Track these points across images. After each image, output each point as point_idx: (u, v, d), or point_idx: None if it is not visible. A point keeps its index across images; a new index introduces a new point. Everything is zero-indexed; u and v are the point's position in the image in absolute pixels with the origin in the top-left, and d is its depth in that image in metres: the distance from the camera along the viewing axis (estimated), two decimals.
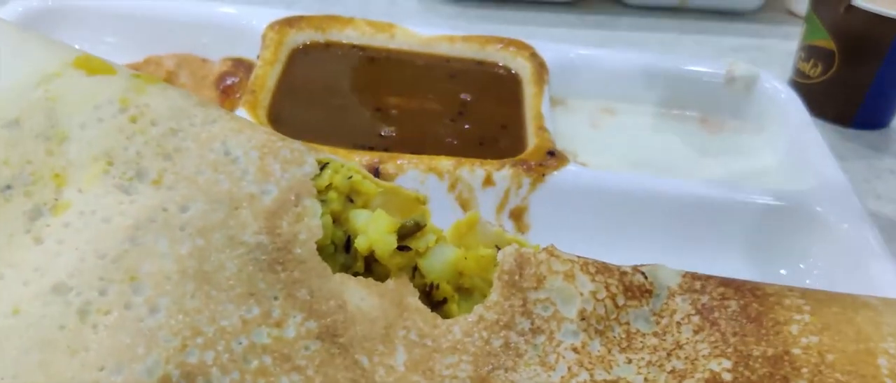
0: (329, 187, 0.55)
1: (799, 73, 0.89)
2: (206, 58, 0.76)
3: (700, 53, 0.98)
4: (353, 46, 0.77)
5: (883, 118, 0.88)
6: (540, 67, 0.75)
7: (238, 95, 0.72)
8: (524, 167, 0.63)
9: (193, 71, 0.74)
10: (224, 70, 0.74)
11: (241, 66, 0.76)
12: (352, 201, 0.56)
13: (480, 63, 0.77)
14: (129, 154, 0.52)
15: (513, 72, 0.76)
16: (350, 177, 0.55)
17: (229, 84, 0.73)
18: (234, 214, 0.51)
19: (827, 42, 0.84)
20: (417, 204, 0.58)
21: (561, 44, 0.80)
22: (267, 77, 0.69)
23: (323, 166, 0.55)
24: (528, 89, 0.74)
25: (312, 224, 0.52)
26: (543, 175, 0.63)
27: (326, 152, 0.62)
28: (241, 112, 0.64)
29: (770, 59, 0.99)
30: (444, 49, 0.77)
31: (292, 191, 0.53)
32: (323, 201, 0.54)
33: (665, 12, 1.05)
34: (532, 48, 0.77)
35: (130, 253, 0.48)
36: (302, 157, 0.55)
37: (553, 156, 0.64)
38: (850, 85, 0.85)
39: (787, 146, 0.73)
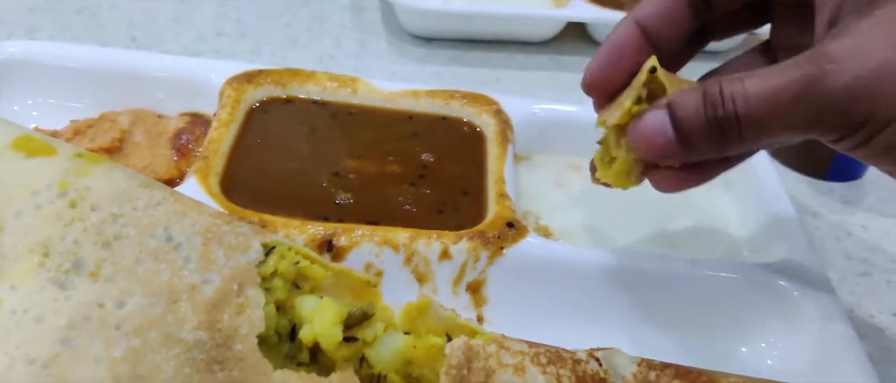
0: (274, 274, 0.53)
1: None
2: (162, 113, 0.74)
3: None
4: (314, 102, 0.75)
5: (856, 171, 0.87)
6: (504, 125, 0.74)
7: (195, 154, 0.71)
8: (482, 240, 0.62)
9: (148, 128, 0.72)
10: (180, 127, 0.72)
11: (199, 122, 0.74)
12: (298, 287, 0.55)
13: (444, 118, 0.76)
14: (66, 243, 0.50)
15: (477, 129, 0.75)
16: (297, 263, 0.54)
17: (185, 141, 0.71)
18: (172, 309, 0.49)
19: None
20: (367, 287, 0.57)
21: (526, 98, 0.79)
22: (221, 140, 0.67)
23: (269, 251, 0.54)
24: (492, 149, 0.72)
25: (254, 316, 0.51)
26: (502, 248, 0.62)
27: (276, 230, 0.61)
28: (192, 181, 0.63)
29: None
30: (407, 104, 0.76)
31: (235, 280, 0.52)
32: (267, 289, 0.53)
33: None
34: (497, 104, 0.76)
35: (62, 357, 0.46)
36: (247, 243, 0.54)
37: (512, 228, 0.63)
38: None
39: (755, 209, 0.72)
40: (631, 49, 0.55)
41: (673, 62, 0.57)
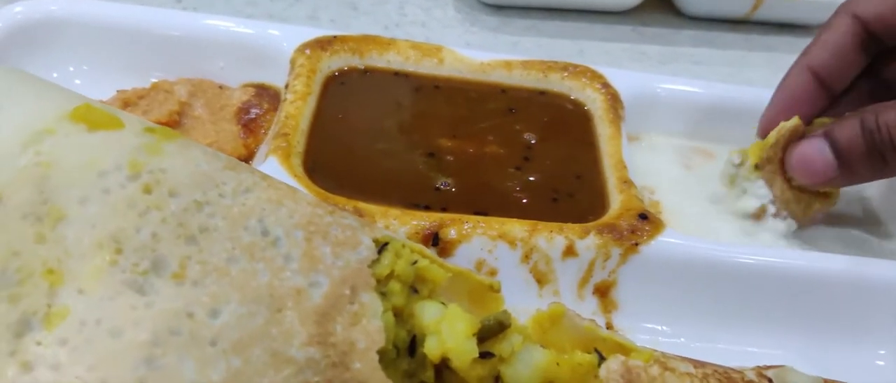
0: (390, 276, 0.44)
1: None
2: (223, 84, 0.65)
3: (773, 75, 0.87)
4: (396, 73, 0.66)
5: None
6: (613, 101, 0.65)
7: (263, 131, 0.61)
8: (613, 235, 0.53)
9: (209, 100, 0.63)
10: (246, 99, 0.63)
11: (265, 95, 0.65)
12: (416, 291, 0.45)
13: (543, 93, 0.66)
14: (142, 237, 0.41)
15: (583, 105, 0.66)
16: (415, 263, 0.45)
17: (253, 117, 0.62)
18: (276, 319, 0.40)
19: None
20: (489, 292, 0.48)
21: (636, 72, 0.69)
22: (300, 115, 0.58)
23: (381, 247, 0.45)
24: (602, 129, 0.63)
25: (372, 327, 0.42)
26: (636, 244, 0.52)
27: (373, 221, 0.51)
28: (272, 162, 0.53)
29: None
30: (500, 76, 0.66)
31: (347, 284, 0.43)
32: (383, 294, 0.43)
33: (729, 25, 0.94)
34: (604, 77, 0.66)
35: (148, 382, 0.37)
36: (356, 237, 0.44)
37: (646, 220, 0.53)
38: None
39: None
40: (805, 95, 0.58)
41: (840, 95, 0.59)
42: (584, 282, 0.53)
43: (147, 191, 0.42)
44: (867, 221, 0.65)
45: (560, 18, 0.89)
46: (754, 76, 0.87)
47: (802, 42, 0.93)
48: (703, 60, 0.88)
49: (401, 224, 0.51)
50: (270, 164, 0.53)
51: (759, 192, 0.59)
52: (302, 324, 0.40)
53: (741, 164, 0.60)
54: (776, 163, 0.58)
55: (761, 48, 0.91)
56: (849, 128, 0.53)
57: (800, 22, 0.96)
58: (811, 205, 0.60)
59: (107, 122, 0.45)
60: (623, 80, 0.66)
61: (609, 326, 0.53)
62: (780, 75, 0.86)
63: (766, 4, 0.92)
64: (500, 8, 0.89)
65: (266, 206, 0.43)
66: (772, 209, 0.59)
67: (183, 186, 0.43)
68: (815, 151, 0.54)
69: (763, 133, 0.59)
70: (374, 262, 0.43)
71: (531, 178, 0.58)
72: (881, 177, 0.53)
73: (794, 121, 0.57)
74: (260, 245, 0.42)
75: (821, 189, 0.58)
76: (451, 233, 0.51)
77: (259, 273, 0.41)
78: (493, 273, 0.52)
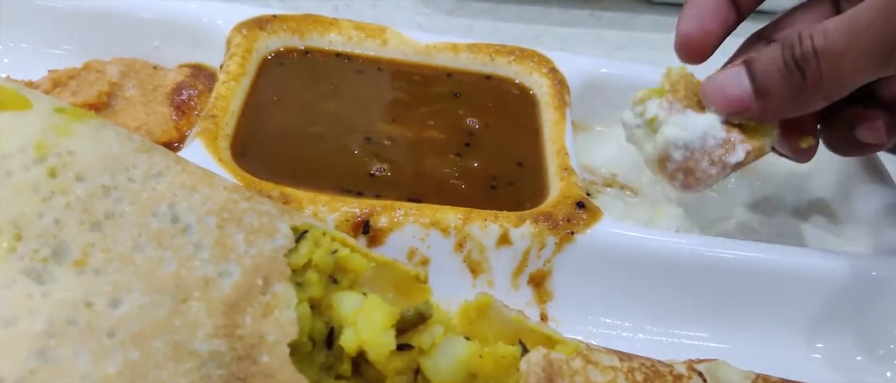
0: (308, 265, 0.42)
1: None
2: (158, 64, 0.63)
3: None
4: (338, 55, 0.64)
5: None
6: (560, 86, 0.63)
7: (196, 112, 0.60)
8: (549, 223, 0.51)
9: (142, 81, 0.61)
10: (180, 80, 0.61)
11: (201, 75, 0.63)
12: (335, 281, 0.44)
13: (489, 78, 0.65)
14: (44, 223, 0.39)
15: (528, 90, 0.64)
16: (335, 252, 0.43)
17: (186, 98, 0.60)
18: (181, 310, 0.39)
19: None
20: (415, 283, 0.46)
21: (582, 55, 0.68)
22: (231, 96, 0.56)
23: (300, 235, 0.43)
24: (547, 114, 0.61)
25: (285, 319, 0.40)
26: (572, 233, 0.51)
27: (301, 207, 0.50)
28: (197, 144, 0.52)
29: None
30: (446, 60, 0.65)
31: (259, 273, 0.41)
32: (299, 284, 0.42)
33: None
34: (551, 62, 0.65)
35: (39, 375, 0.35)
36: (272, 225, 0.43)
37: (583, 209, 0.52)
38: None
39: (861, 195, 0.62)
40: (713, 8, 0.56)
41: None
42: (518, 271, 0.52)
43: (52, 174, 0.40)
44: (816, 213, 0.64)
45: (516, 2, 0.88)
46: (714, 62, 0.86)
47: (763, 24, 0.92)
48: (661, 46, 0.86)
49: (330, 210, 0.49)
50: (195, 147, 0.51)
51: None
52: (208, 316, 0.38)
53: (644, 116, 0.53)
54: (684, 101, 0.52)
55: None
56: (768, 51, 0.49)
57: (761, 8, 0.94)
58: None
59: (13, 102, 0.43)
60: (569, 63, 0.65)
61: (543, 317, 0.52)
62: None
63: None
64: None
65: (178, 192, 0.42)
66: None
67: (91, 170, 0.41)
68: (729, 76, 0.51)
69: (682, 48, 0.56)
70: (291, 251, 0.42)
71: (472, 164, 0.57)
72: (799, 107, 0.49)
73: (681, 68, 0.55)
74: (169, 232, 0.40)
75: (735, 120, 0.51)
76: (383, 221, 0.50)
77: (166, 261, 0.39)
78: (425, 262, 0.51)
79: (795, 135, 0.53)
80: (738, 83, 0.50)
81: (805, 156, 0.54)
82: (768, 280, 0.51)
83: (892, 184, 0.60)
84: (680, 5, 0.92)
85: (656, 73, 0.67)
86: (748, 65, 0.50)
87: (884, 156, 0.64)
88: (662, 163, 0.50)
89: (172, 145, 0.58)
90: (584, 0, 0.90)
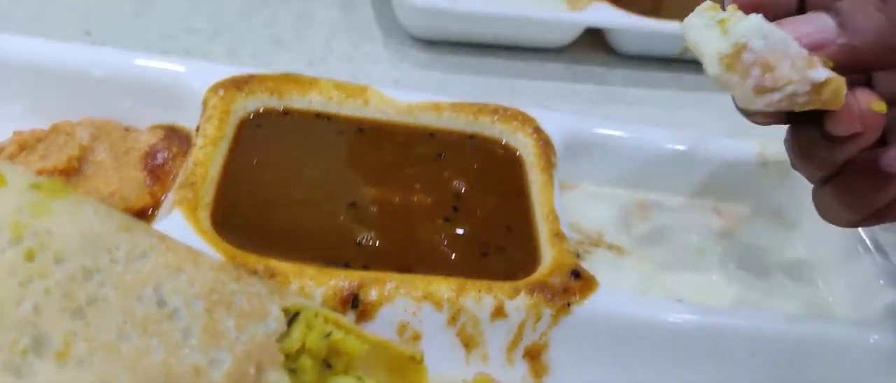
0: (301, 350, 0.40)
1: None
2: (130, 125, 0.60)
3: (705, 116, 0.86)
4: (317, 115, 0.62)
5: None
6: (545, 146, 0.62)
7: (172, 177, 0.57)
8: (545, 294, 0.50)
9: (114, 143, 0.58)
10: (153, 142, 0.59)
11: (175, 137, 0.60)
12: (329, 366, 0.42)
13: (473, 137, 0.64)
14: (23, 311, 0.36)
15: (513, 151, 0.63)
16: (329, 334, 0.41)
17: (160, 162, 0.58)
18: None
19: None
20: (411, 363, 0.44)
21: (564, 113, 0.67)
22: (209, 162, 0.54)
23: (292, 318, 0.41)
24: (534, 176, 0.60)
25: None
26: (569, 304, 0.50)
27: (288, 282, 0.47)
28: (177, 216, 0.49)
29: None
30: (428, 119, 0.63)
31: (252, 361, 0.39)
32: (292, 371, 0.40)
33: (662, 64, 0.92)
34: (535, 121, 0.64)
35: None
36: (263, 308, 0.41)
37: (578, 278, 0.51)
38: None
39: (830, 253, 0.62)
40: None
41: None
42: (513, 345, 0.50)
43: (30, 257, 0.38)
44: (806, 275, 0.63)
45: (492, 56, 0.87)
46: (687, 116, 0.86)
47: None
48: (635, 101, 0.86)
49: (317, 284, 0.47)
50: (175, 218, 0.49)
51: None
52: None
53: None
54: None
55: (694, 88, 0.90)
56: None
57: None
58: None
59: None
60: (553, 122, 0.64)
61: None
62: (712, 116, 0.85)
63: None
64: (430, 44, 0.86)
65: (163, 273, 0.39)
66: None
67: (70, 251, 0.38)
68: (809, 18, 0.42)
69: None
70: (283, 336, 0.40)
71: (459, 231, 0.55)
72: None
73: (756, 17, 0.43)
74: (155, 318, 0.38)
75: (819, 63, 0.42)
76: (372, 294, 0.48)
77: (153, 350, 0.37)
78: (417, 337, 0.49)
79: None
80: (818, 18, 0.41)
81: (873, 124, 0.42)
82: (782, 352, 0.50)
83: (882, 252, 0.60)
84: (653, 59, 0.93)
85: (641, 130, 0.67)
86: (835, 7, 0.42)
87: None
88: (736, 55, 0.41)
89: (147, 211, 0.55)
90: (560, 53, 0.90)
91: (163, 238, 0.41)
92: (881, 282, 0.58)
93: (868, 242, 0.60)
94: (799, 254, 0.64)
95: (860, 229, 0.62)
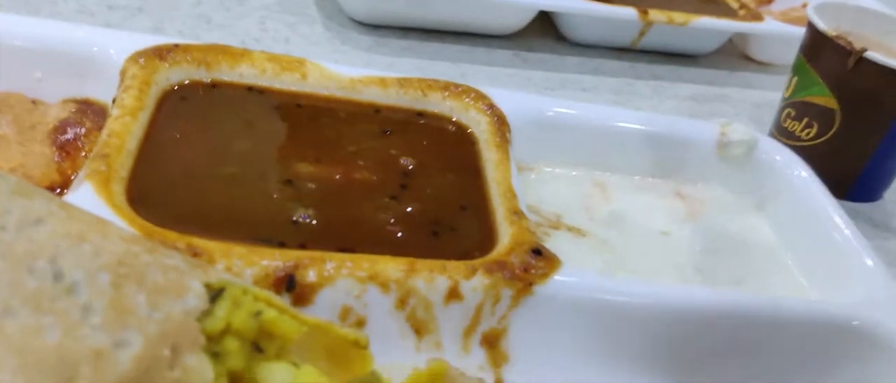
0: (226, 331, 0.35)
1: (785, 132, 0.75)
2: (38, 99, 0.54)
3: (660, 103, 0.82)
4: (250, 88, 0.56)
5: (879, 191, 0.75)
6: (500, 123, 0.58)
7: (84, 153, 0.51)
8: (505, 274, 0.45)
9: (18, 117, 0.52)
10: (64, 117, 0.53)
11: (89, 111, 0.54)
12: (260, 349, 0.36)
13: (422, 114, 0.59)
14: None
15: (465, 128, 0.58)
16: (259, 313, 0.36)
17: (71, 137, 0.52)
18: None
19: (828, 100, 0.70)
20: (354, 348, 0.39)
21: (521, 93, 0.63)
22: (126, 133, 0.48)
23: (215, 295, 0.35)
24: (488, 154, 0.56)
25: None
26: (531, 284, 0.45)
27: (213, 262, 0.41)
28: (86, 189, 0.43)
29: (737, 111, 0.85)
30: (374, 95, 0.58)
31: (166, 342, 0.33)
32: (215, 354, 0.34)
33: (615, 53, 0.89)
34: (489, 98, 0.59)
35: None
36: (182, 282, 0.35)
37: (540, 256, 0.46)
38: (851, 151, 0.71)
39: (807, 236, 0.58)
40: None
41: None
42: (469, 330, 0.45)
43: None
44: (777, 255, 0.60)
45: (439, 40, 0.82)
46: (641, 103, 0.82)
47: (688, 71, 0.90)
48: (589, 87, 0.83)
49: (246, 265, 0.41)
50: (84, 192, 0.43)
51: None
52: None
53: None
54: None
55: (648, 76, 0.87)
56: None
57: (684, 51, 0.93)
58: None
59: None
60: (509, 100, 0.59)
61: None
62: (668, 103, 0.82)
63: (651, 33, 0.88)
64: (375, 27, 0.81)
65: (62, 243, 0.33)
66: None
67: None
68: None
69: None
70: (205, 314, 0.34)
71: (408, 209, 0.50)
72: None
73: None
74: (50, 293, 0.32)
75: None
76: (310, 275, 0.42)
77: (46, 330, 0.31)
78: (361, 323, 0.43)
79: None
80: None
81: None
82: (748, 330, 0.46)
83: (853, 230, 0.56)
84: (604, 47, 0.89)
85: (599, 110, 0.63)
86: None
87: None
88: None
89: (55, 191, 0.49)
90: (509, 39, 0.86)
91: (64, 206, 0.35)
92: (855, 262, 0.54)
93: (841, 223, 0.57)
94: (767, 237, 0.61)
95: (831, 210, 0.58)
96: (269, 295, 0.37)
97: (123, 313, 0.32)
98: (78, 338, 0.31)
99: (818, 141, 0.72)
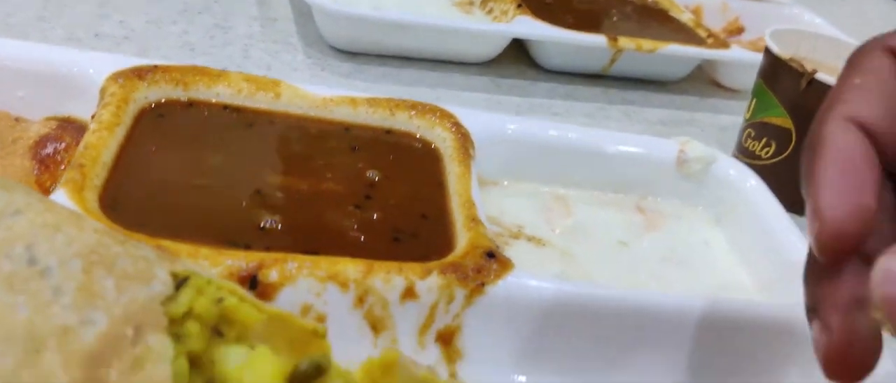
0: (188, 315, 0.37)
1: (746, 151, 0.78)
2: (20, 116, 0.57)
3: (631, 126, 0.85)
4: (225, 107, 0.59)
5: None
6: (464, 140, 0.60)
7: (63, 167, 0.54)
8: (458, 275, 0.47)
9: (1, 132, 0.55)
10: (45, 132, 0.55)
11: (70, 129, 0.57)
12: (220, 334, 0.39)
13: (390, 132, 0.62)
14: None
15: (431, 144, 0.61)
16: (221, 300, 0.38)
17: (51, 151, 0.54)
18: (32, 361, 0.32)
19: (783, 120, 0.73)
20: (313, 338, 0.41)
21: (485, 112, 0.66)
22: (102, 146, 0.51)
23: (180, 282, 0.38)
24: (452, 168, 0.58)
25: (157, 374, 0.34)
26: (483, 284, 0.47)
27: (185, 259, 0.44)
28: (61, 194, 0.46)
29: (705, 134, 0.88)
30: (344, 114, 0.61)
31: (130, 323, 0.35)
32: (177, 336, 0.36)
33: (586, 80, 0.92)
34: (454, 116, 0.62)
35: None
36: (148, 270, 0.37)
37: (493, 259, 0.48)
38: None
39: (761, 249, 0.61)
40: (865, 162, 0.33)
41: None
42: (425, 328, 0.47)
43: None
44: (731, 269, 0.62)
45: (417, 67, 0.85)
46: (612, 127, 0.85)
47: (658, 96, 0.93)
48: (562, 112, 0.86)
49: (211, 264, 0.44)
50: (58, 197, 0.45)
51: None
52: (64, 368, 0.32)
53: None
54: None
55: (619, 101, 0.90)
56: None
57: (655, 77, 0.96)
58: None
59: None
60: (472, 119, 0.62)
61: (453, 378, 0.47)
62: (637, 127, 0.85)
63: (621, 60, 0.91)
64: (353, 55, 0.84)
65: (39, 232, 0.36)
66: None
67: None
68: None
69: (828, 238, 0.32)
70: (169, 299, 0.36)
71: (371, 217, 0.53)
72: None
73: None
74: (23, 275, 0.34)
75: None
76: (273, 275, 0.45)
77: (18, 307, 0.33)
78: (321, 319, 0.46)
79: None
80: None
81: None
82: (691, 330, 0.48)
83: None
84: (575, 75, 0.92)
85: (562, 128, 0.66)
86: None
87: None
88: None
89: None
90: (484, 67, 0.89)
91: (43, 199, 0.38)
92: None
93: (794, 237, 0.59)
94: (724, 250, 0.63)
95: (785, 224, 0.61)
96: (234, 286, 0.39)
97: (92, 296, 0.35)
98: (47, 316, 0.33)
99: (777, 159, 0.75)
